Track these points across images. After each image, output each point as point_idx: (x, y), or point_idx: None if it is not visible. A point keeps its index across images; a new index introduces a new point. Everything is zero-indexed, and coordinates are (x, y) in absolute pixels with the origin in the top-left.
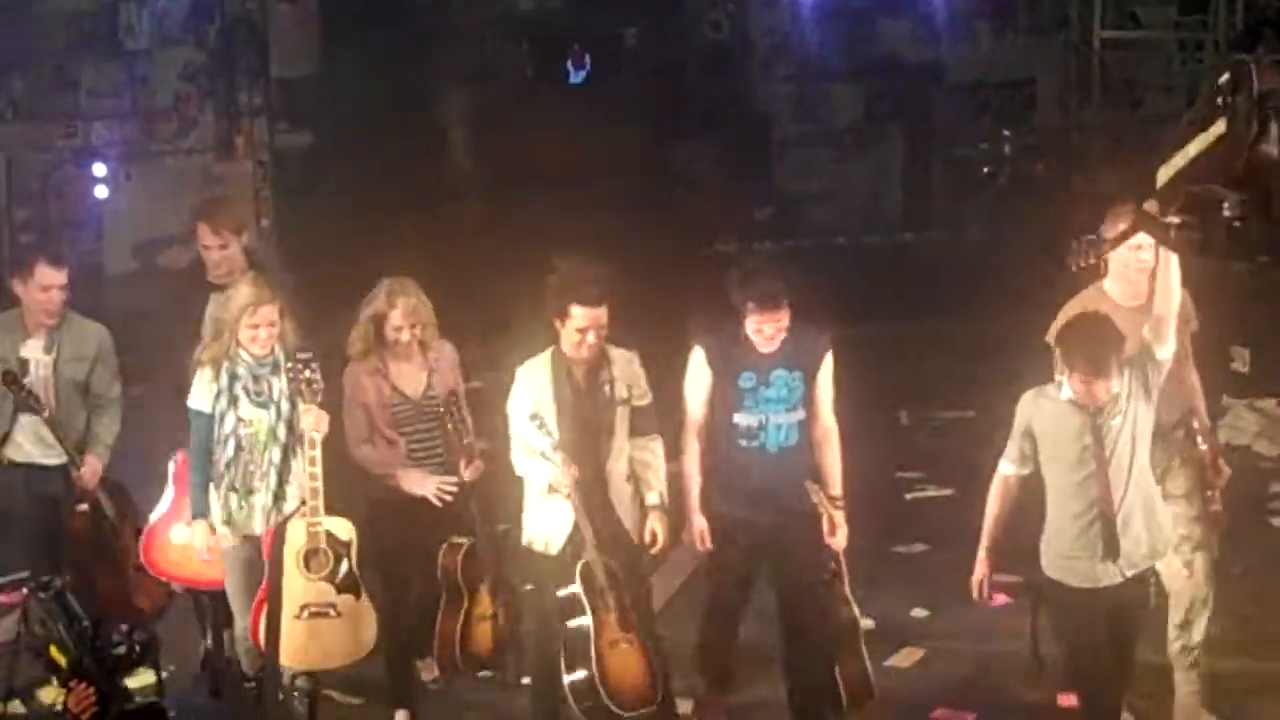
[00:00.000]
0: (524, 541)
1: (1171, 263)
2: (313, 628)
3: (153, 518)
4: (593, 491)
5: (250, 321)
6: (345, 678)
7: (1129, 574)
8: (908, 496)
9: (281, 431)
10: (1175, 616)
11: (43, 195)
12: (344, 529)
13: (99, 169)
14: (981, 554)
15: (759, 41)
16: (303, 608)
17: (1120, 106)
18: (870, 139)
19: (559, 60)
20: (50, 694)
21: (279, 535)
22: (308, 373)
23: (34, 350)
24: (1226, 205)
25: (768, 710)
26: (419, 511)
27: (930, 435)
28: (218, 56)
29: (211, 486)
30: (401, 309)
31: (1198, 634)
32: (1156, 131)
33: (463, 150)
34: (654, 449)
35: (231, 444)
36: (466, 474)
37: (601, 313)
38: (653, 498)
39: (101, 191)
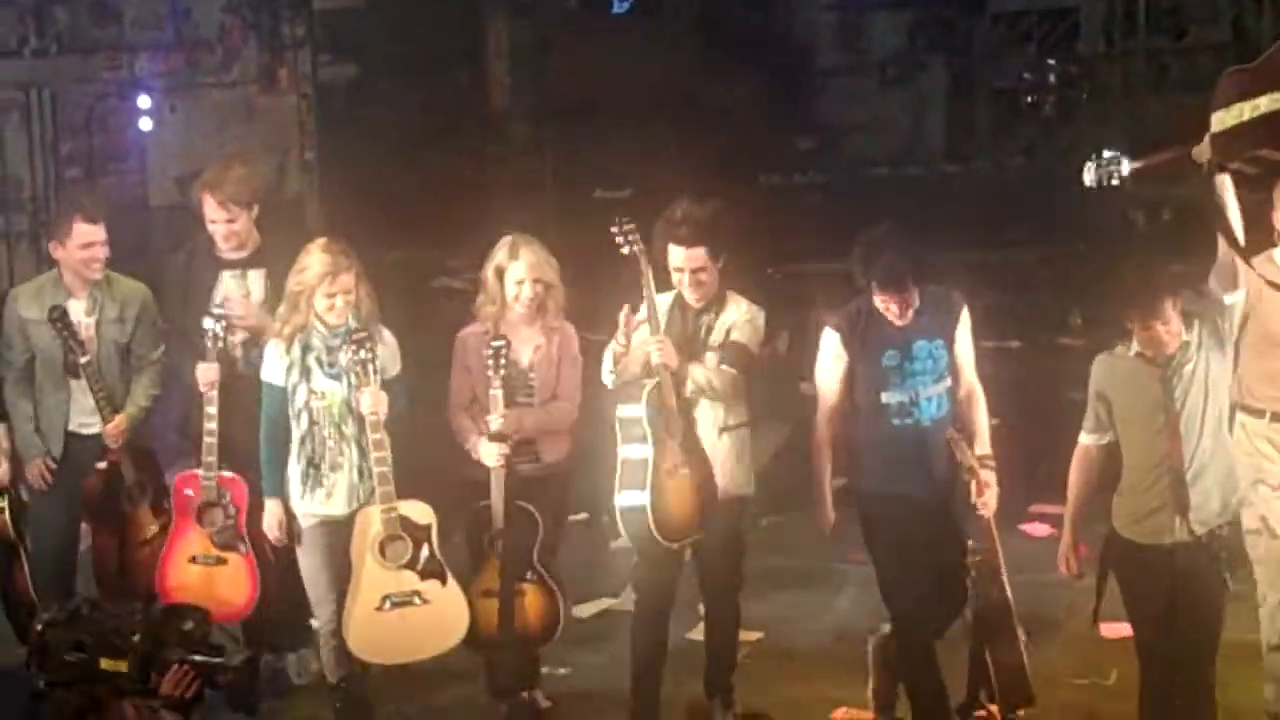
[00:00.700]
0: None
1: (1230, 205)
2: (398, 618)
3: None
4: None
5: (327, 290)
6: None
7: (1198, 531)
8: None
9: (356, 405)
10: (1268, 598)
11: (87, 128)
12: (421, 512)
13: (143, 101)
14: (1067, 525)
15: None
16: (384, 598)
17: (1164, 36)
18: (912, 69)
19: None
20: None
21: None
22: (363, 352)
23: (76, 311)
24: None
25: None
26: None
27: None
28: None
29: (291, 462)
30: (525, 262)
31: None
32: (1200, 61)
33: (506, 81)
34: (726, 375)
35: (305, 418)
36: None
37: (695, 254)
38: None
39: (145, 124)
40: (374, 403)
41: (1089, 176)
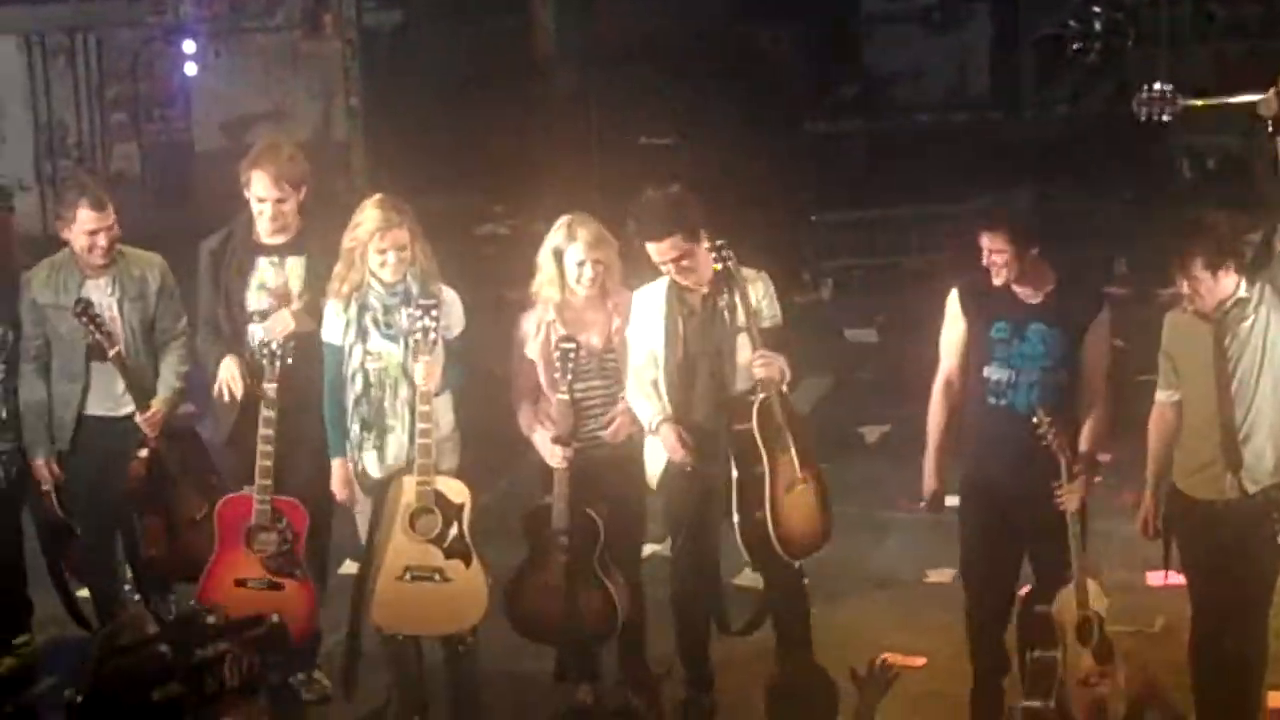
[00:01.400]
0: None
1: None
2: (416, 592)
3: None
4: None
5: (379, 246)
6: None
7: (1251, 490)
8: None
9: (411, 367)
10: None
11: (133, 73)
12: (456, 490)
13: (188, 46)
14: (1149, 487)
15: None
16: (405, 569)
17: None
18: (957, 16)
19: None
20: None
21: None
22: (427, 319)
23: (97, 293)
24: None
25: None
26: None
27: None
28: None
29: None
30: (583, 242)
31: None
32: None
33: (551, 27)
34: (772, 360)
35: (360, 379)
36: (606, 433)
37: (669, 245)
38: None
39: (191, 69)
40: (428, 375)
41: (1138, 109)
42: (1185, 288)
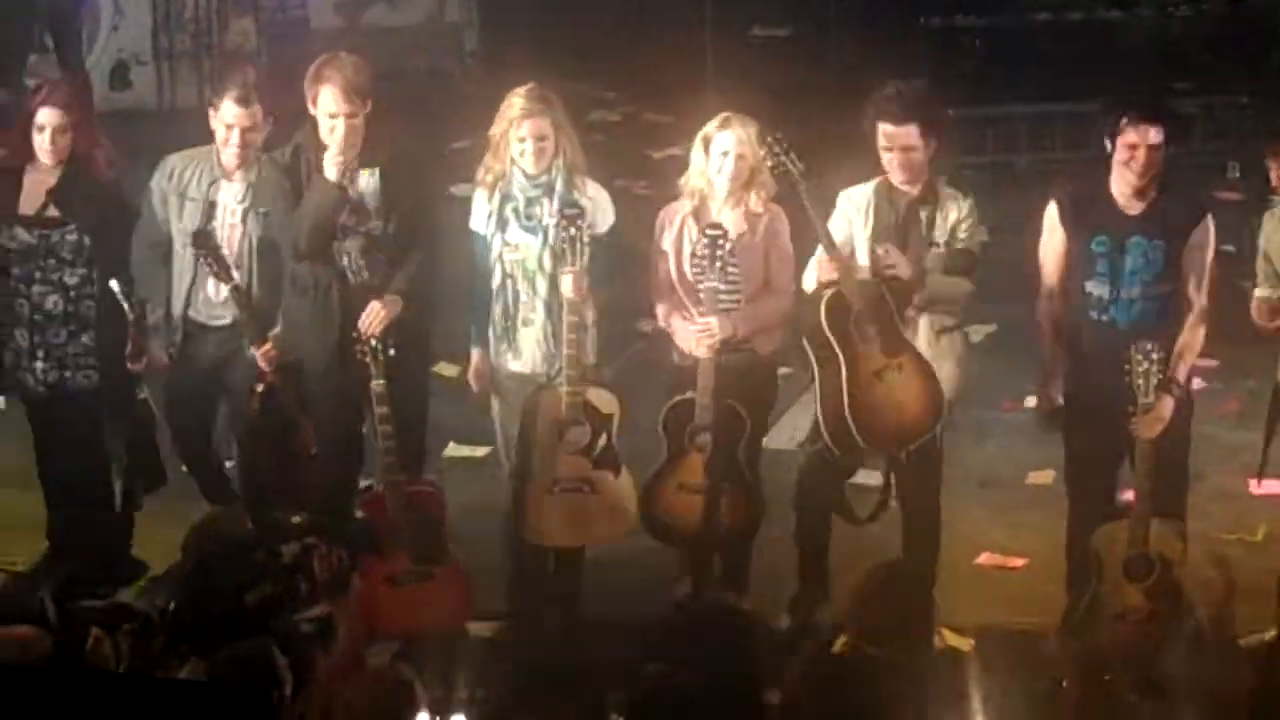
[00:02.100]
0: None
1: None
2: (565, 503)
3: None
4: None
5: (518, 134)
6: None
7: None
8: None
9: (549, 262)
10: None
11: None
12: (606, 401)
13: None
14: None
15: None
16: (553, 482)
17: None
18: None
19: None
20: None
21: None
22: (572, 230)
23: (227, 195)
24: None
25: None
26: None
27: None
28: None
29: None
30: (734, 135)
31: None
32: None
33: None
34: (956, 287)
35: (499, 270)
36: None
37: (907, 130)
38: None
39: None
40: (576, 286)
41: None
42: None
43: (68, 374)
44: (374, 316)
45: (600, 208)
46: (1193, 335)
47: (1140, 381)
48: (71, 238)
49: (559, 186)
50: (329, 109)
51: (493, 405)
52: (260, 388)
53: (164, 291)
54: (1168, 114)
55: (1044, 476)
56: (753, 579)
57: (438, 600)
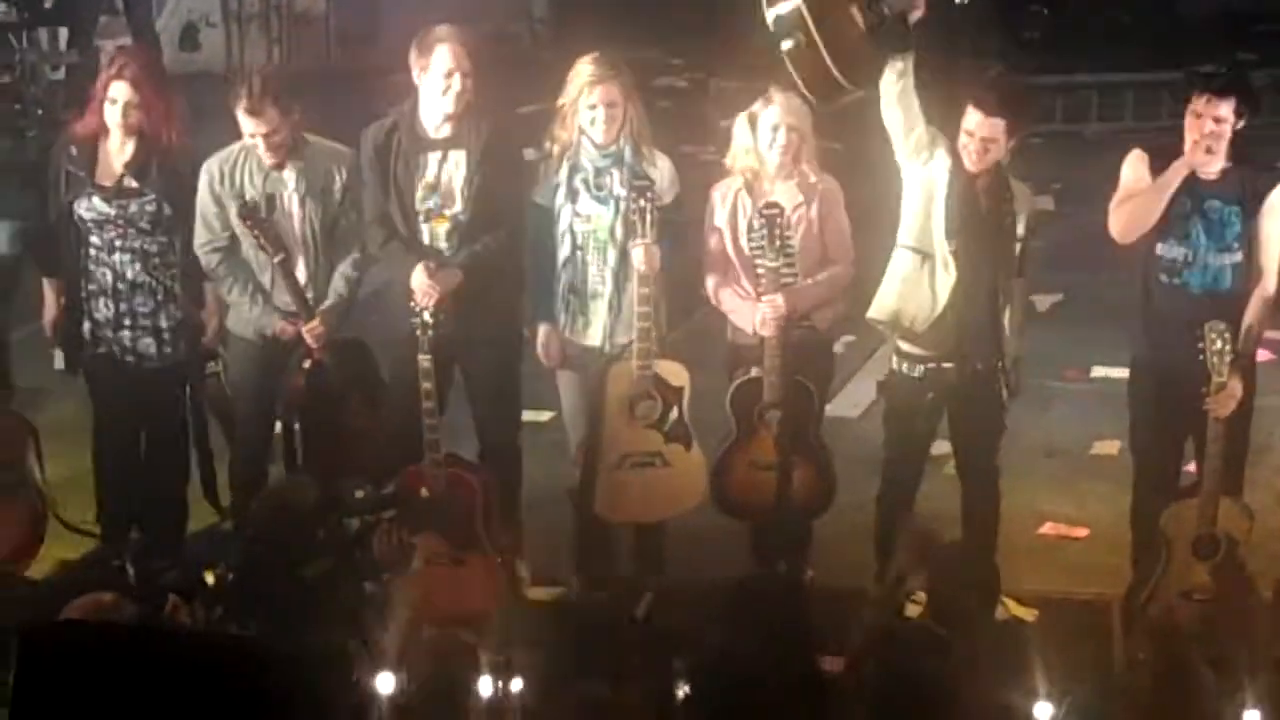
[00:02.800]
0: (877, 316)
1: None
2: (637, 478)
3: None
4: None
5: (589, 100)
6: None
7: None
8: None
9: (620, 232)
10: None
11: None
12: (677, 374)
13: None
14: None
15: None
16: (624, 457)
17: None
18: None
19: None
20: None
21: (603, 376)
22: (643, 201)
23: (280, 185)
24: None
25: None
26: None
27: None
28: None
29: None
30: (779, 107)
31: None
32: None
33: None
34: (1022, 293)
35: (569, 242)
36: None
37: (991, 124)
38: (1012, 354)
39: None
40: (647, 259)
41: None
42: None
43: (151, 342)
44: (423, 285)
45: (667, 178)
46: (1261, 307)
47: (1215, 360)
48: (150, 208)
49: (628, 156)
50: (445, 67)
51: (559, 377)
52: (307, 364)
53: (251, 288)
54: (1239, 89)
55: (1109, 447)
56: (817, 547)
57: (467, 587)
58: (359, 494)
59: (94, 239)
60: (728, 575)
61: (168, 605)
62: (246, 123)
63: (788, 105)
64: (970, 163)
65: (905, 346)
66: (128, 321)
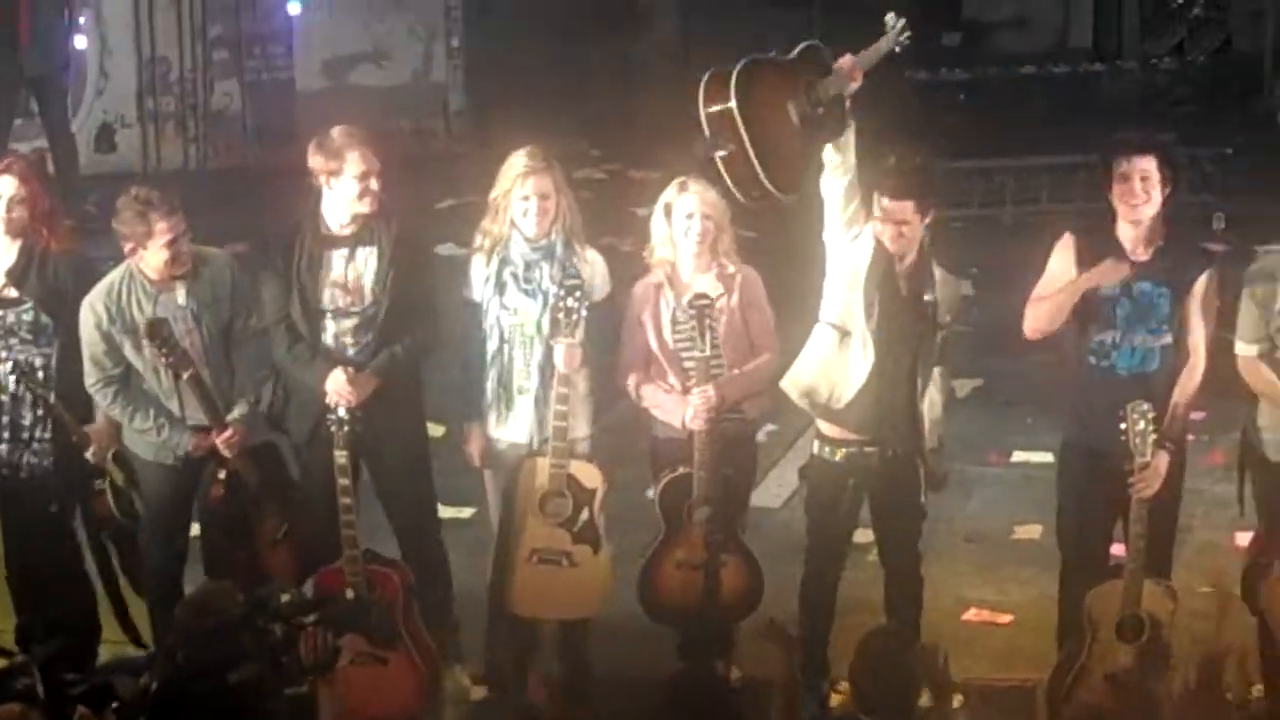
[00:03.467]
0: (789, 391)
1: None
2: (543, 575)
3: None
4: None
5: (521, 192)
6: None
7: None
8: None
9: (547, 327)
10: None
11: (236, 10)
12: (590, 475)
13: None
14: None
15: None
16: (533, 551)
17: None
18: None
19: None
20: None
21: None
22: (571, 301)
23: (172, 306)
24: None
25: None
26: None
27: None
28: None
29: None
30: (695, 196)
31: None
32: None
33: None
34: (944, 381)
35: (496, 335)
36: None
37: (904, 208)
38: (932, 441)
39: (294, 7)
40: (568, 358)
41: None
42: None
43: (32, 457)
44: (341, 389)
45: (598, 274)
46: (1189, 388)
47: (1138, 440)
48: (28, 317)
49: (559, 250)
50: (359, 170)
51: (486, 473)
52: (222, 475)
53: (154, 413)
54: (1160, 147)
55: (1031, 531)
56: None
57: (391, 687)
58: (285, 597)
59: None
60: (654, 675)
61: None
62: (167, 229)
63: (703, 195)
64: (889, 245)
65: (825, 429)
66: (6, 435)
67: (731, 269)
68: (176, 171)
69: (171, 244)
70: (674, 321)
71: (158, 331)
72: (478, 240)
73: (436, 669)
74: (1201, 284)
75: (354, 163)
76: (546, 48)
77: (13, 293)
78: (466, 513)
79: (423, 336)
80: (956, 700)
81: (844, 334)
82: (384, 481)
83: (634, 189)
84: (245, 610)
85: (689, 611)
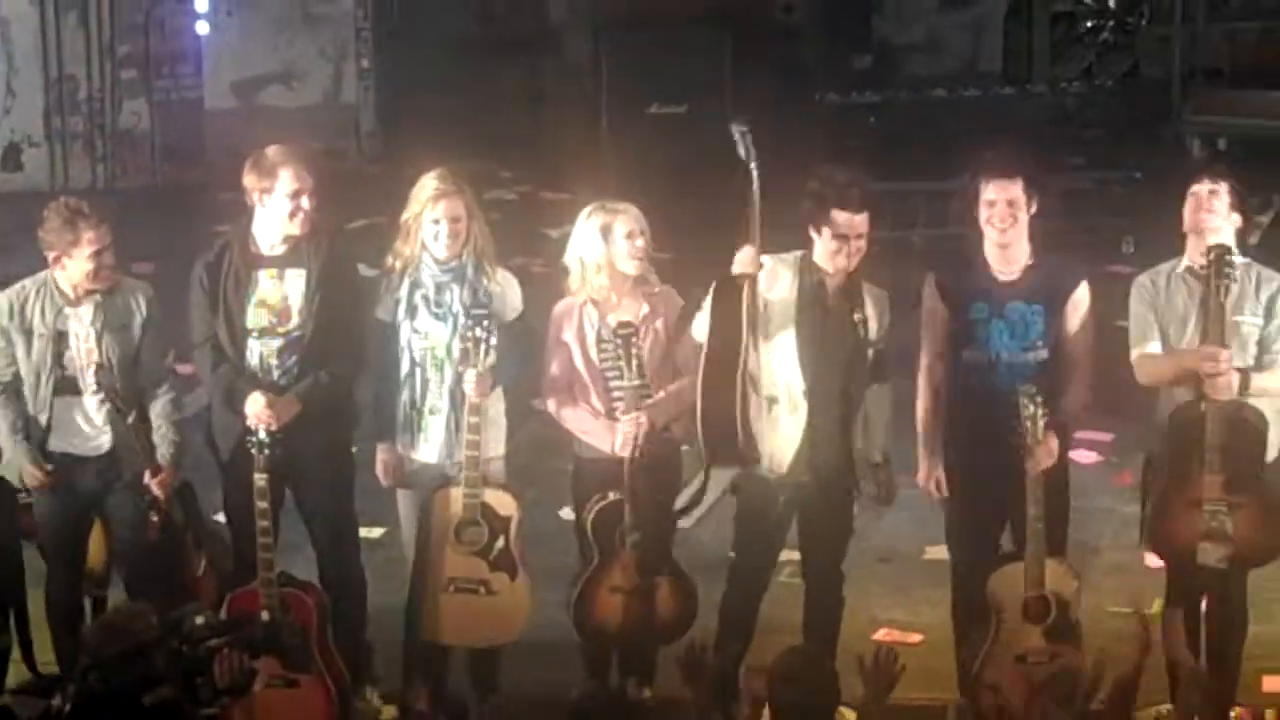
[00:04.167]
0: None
1: None
2: (461, 603)
3: None
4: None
5: (432, 215)
6: None
7: None
8: None
9: (457, 350)
10: None
11: (144, 30)
12: (504, 503)
13: (201, 4)
14: None
15: None
16: (450, 580)
17: None
18: None
19: None
20: None
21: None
22: (479, 330)
23: (75, 321)
24: None
25: None
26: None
27: None
28: None
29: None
30: (631, 214)
31: None
32: None
33: None
34: (887, 398)
35: (407, 358)
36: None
37: (862, 220)
38: (876, 456)
39: (203, 28)
40: (479, 387)
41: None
42: None
43: None
44: (260, 412)
45: (509, 295)
46: (1076, 394)
47: (1029, 424)
48: None
49: (469, 273)
50: (291, 187)
51: (399, 494)
52: (156, 518)
53: (20, 427)
54: (1026, 171)
55: (942, 551)
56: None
57: (300, 709)
58: (199, 619)
59: None
60: (563, 693)
61: None
62: (93, 239)
63: (631, 212)
64: (842, 265)
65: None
66: None
67: (657, 289)
68: (84, 190)
69: (96, 255)
70: (599, 341)
71: (104, 378)
72: (389, 261)
73: (347, 691)
74: (1076, 299)
75: (286, 180)
76: (458, 69)
77: None
78: (377, 532)
79: (348, 360)
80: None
81: (771, 401)
82: (307, 502)
83: (545, 210)
84: (159, 632)
85: (625, 635)
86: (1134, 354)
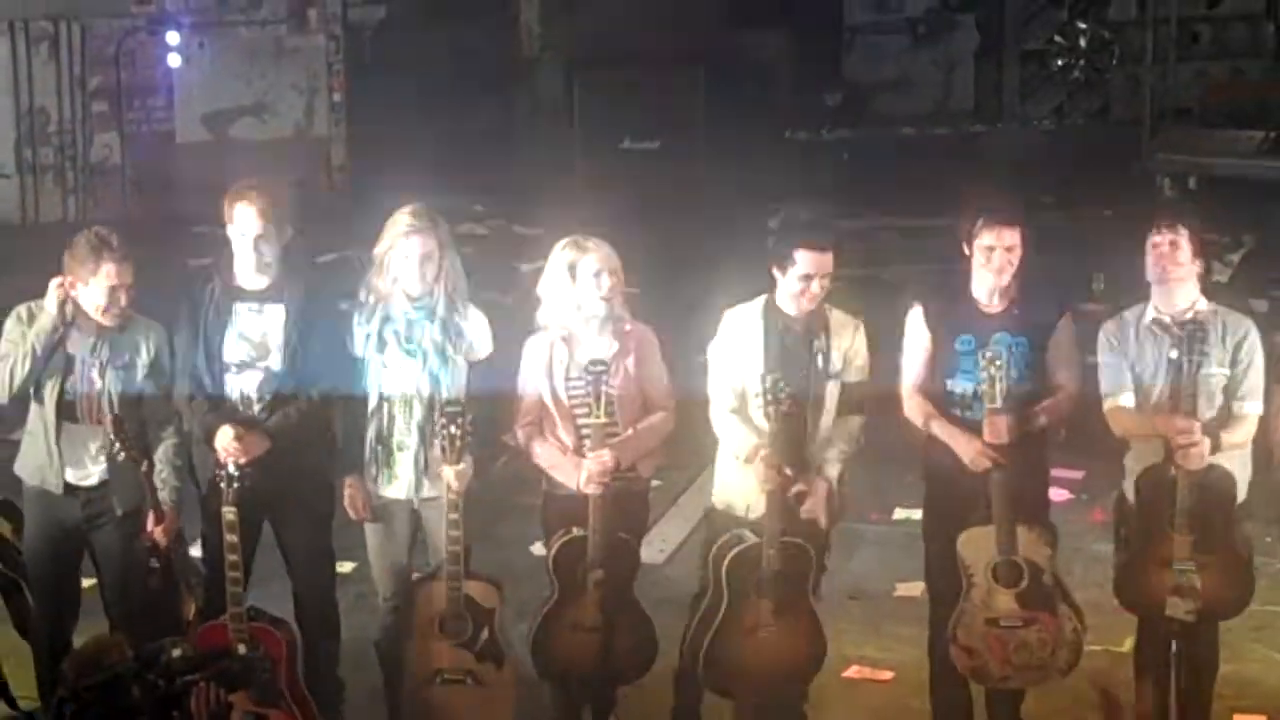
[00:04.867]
0: (717, 503)
1: None
2: (448, 695)
3: None
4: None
5: (404, 251)
6: None
7: None
8: None
9: (426, 386)
10: None
11: (116, 63)
12: (486, 594)
13: (172, 37)
14: None
15: None
16: (437, 673)
17: (1197, 3)
18: (942, 28)
19: None
20: None
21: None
22: (454, 428)
23: (80, 348)
24: None
25: None
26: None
27: None
28: None
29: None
30: (600, 253)
31: None
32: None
33: (535, 29)
34: (852, 427)
35: (376, 393)
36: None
37: (828, 259)
38: (830, 470)
39: (174, 60)
40: (458, 482)
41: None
42: None
43: None
44: (229, 446)
45: (480, 333)
46: (1059, 401)
47: (986, 387)
48: None
49: (441, 309)
50: (241, 229)
51: (367, 529)
52: (157, 564)
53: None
54: (1022, 218)
55: (913, 589)
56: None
57: None
58: (176, 652)
59: None
60: None
61: None
62: (113, 273)
63: (604, 251)
64: (808, 306)
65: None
66: None
67: (628, 326)
68: (55, 223)
69: (111, 291)
70: (568, 378)
71: (118, 428)
72: (362, 295)
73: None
74: (1059, 332)
75: (241, 218)
76: (430, 103)
77: None
78: (347, 567)
79: (317, 397)
80: None
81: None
82: (285, 535)
83: (517, 244)
84: (135, 665)
85: (583, 672)
86: (1106, 405)
